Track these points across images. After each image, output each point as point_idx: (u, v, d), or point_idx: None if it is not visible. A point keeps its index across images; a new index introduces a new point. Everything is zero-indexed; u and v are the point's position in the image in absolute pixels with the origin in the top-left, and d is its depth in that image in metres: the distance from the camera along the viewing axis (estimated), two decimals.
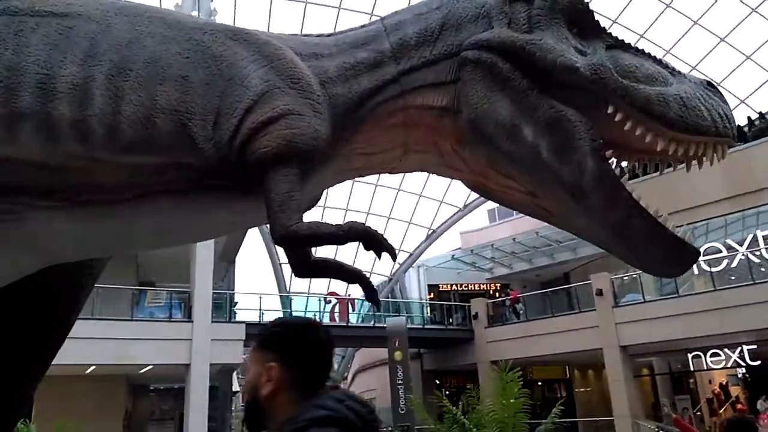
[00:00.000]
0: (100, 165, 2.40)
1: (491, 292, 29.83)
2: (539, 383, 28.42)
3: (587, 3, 2.89)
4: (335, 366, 33.94)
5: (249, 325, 18.05)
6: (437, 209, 30.10)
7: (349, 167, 2.88)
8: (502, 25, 2.77)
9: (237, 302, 23.72)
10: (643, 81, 2.69)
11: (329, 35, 3.00)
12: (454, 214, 30.43)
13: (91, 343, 15.42)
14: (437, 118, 2.79)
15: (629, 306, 19.55)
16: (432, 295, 30.95)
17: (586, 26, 2.88)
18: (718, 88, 2.88)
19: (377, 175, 28.18)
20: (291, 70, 2.59)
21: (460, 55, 2.74)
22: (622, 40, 2.89)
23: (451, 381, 29.43)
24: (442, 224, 30.57)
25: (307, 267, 3.25)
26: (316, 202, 3.27)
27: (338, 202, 28.55)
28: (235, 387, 56.89)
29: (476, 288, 31.24)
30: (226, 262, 24.18)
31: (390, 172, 3.17)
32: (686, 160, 2.82)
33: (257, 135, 2.44)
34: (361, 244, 2.40)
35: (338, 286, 30.90)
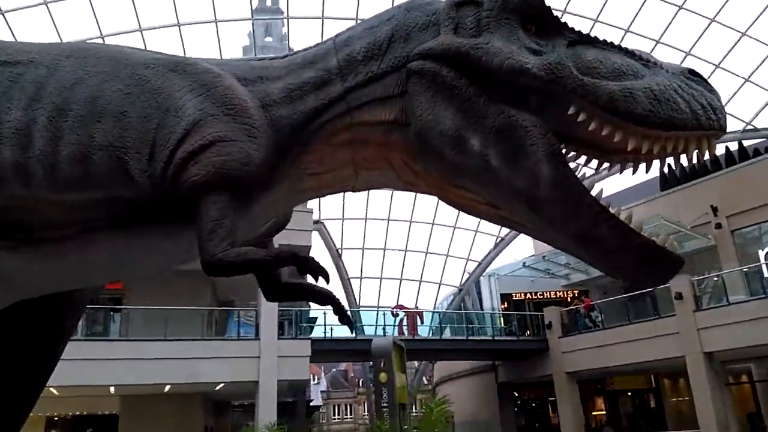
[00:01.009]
0: (45, 204, 2.49)
1: (569, 300, 28.70)
2: (626, 394, 27.04)
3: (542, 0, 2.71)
4: (409, 379, 33.83)
5: (315, 341, 18.28)
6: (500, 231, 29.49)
7: (300, 188, 2.84)
8: (448, 32, 2.65)
9: (316, 318, 24.26)
10: (608, 76, 2.48)
11: (284, 56, 2.99)
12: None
13: (166, 363, 16.20)
14: (386, 133, 2.70)
15: (713, 309, 18.20)
16: (505, 305, 30.24)
17: (545, 24, 2.70)
18: (703, 76, 2.61)
19: None
20: (226, 96, 2.59)
21: (406, 67, 2.65)
22: (587, 35, 2.68)
23: (529, 394, 28.56)
24: (510, 231, 29.85)
25: (277, 290, 3.25)
26: (283, 225, 3.25)
27: (402, 215, 28.60)
28: (317, 401, 58.04)
29: (552, 296, 30.21)
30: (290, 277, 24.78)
31: (352, 191, 3.10)
32: (667, 158, 2.59)
33: (188, 164, 2.45)
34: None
35: (406, 299, 30.91)
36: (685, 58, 24.62)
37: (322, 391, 62.08)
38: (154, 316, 18.17)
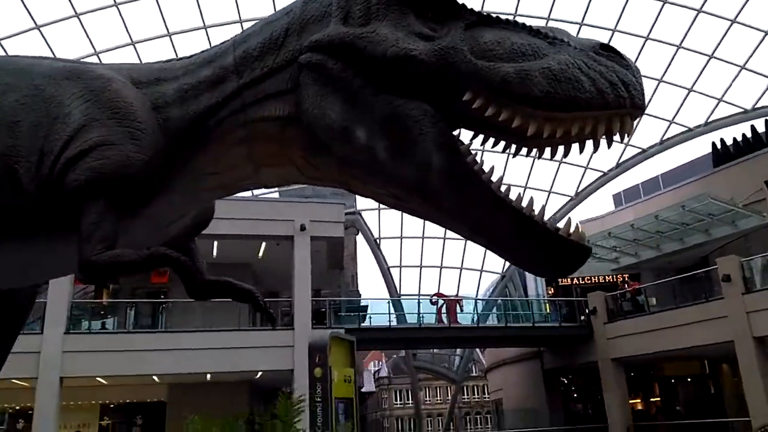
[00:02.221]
0: None
1: (619, 284, 27.80)
2: (679, 380, 26.03)
3: None
4: (453, 366, 33.68)
5: (349, 330, 18.46)
6: (547, 199, 28.75)
7: (202, 188, 2.84)
8: (337, 22, 2.58)
9: (366, 306, 24.48)
10: (504, 58, 2.35)
11: (189, 56, 2.99)
12: (566, 203, 28.89)
13: (206, 353, 16.74)
14: (281, 129, 2.66)
15: (763, 291, 17.20)
16: (552, 291, 29.57)
17: (441, 8, 2.58)
18: (617, 50, 2.44)
19: None
20: (112, 100, 2.62)
21: (297, 61, 2.60)
22: (488, 16, 2.56)
23: (577, 380, 27.90)
24: (553, 215, 29.14)
25: (199, 287, 3.29)
26: (204, 224, 3.26)
27: None
28: (370, 387, 58.67)
29: (601, 281, 29.33)
30: (337, 270, 25.03)
31: (264, 187, 3.09)
32: (576, 141, 2.46)
33: (69, 170, 2.50)
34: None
35: (446, 287, 30.66)
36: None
37: (382, 377, 62.74)
38: (197, 308, 18.80)
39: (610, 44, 2.46)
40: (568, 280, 29.91)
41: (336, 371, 6.62)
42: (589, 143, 2.45)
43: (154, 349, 16.98)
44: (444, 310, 23.20)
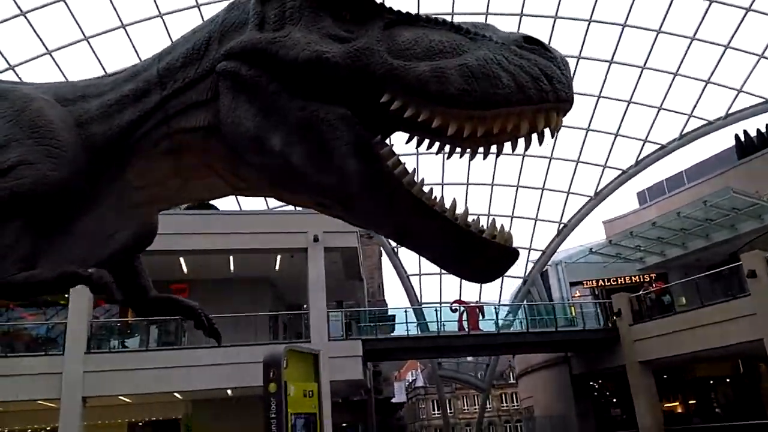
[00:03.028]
0: None
1: (645, 285, 27.15)
2: (714, 381, 25.23)
3: None
4: (479, 375, 33.31)
5: (367, 341, 18.37)
6: (565, 201, 28.37)
7: (130, 203, 2.81)
8: (253, 28, 2.55)
9: (394, 316, 24.40)
10: (422, 56, 2.29)
11: (118, 72, 2.99)
12: (586, 204, 28.42)
13: (223, 369, 16.82)
14: (204, 140, 2.63)
15: None
16: (577, 294, 29.06)
17: (359, 8, 2.53)
18: (542, 42, 2.35)
19: (492, 173, 28.18)
20: (33, 120, 2.63)
21: (215, 69, 2.58)
22: (408, 14, 2.50)
23: (607, 386, 27.26)
24: (573, 216, 28.70)
25: (145, 304, 3.27)
26: (147, 239, 3.23)
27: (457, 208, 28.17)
28: (400, 398, 58.37)
29: (627, 281, 28.74)
30: (355, 280, 25.01)
31: (199, 201, 3.06)
32: (503, 140, 2.39)
33: None
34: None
35: (468, 293, 30.38)
36: None
37: (418, 387, 62.46)
38: (220, 323, 18.92)
39: (535, 37, 2.38)
40: (593, 282, 29.39)
41: (293, 386, 6.53)
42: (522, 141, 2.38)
43: (174, 366, 17.15)
44: (464, 317, 22.95)
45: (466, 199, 27.93)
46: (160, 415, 20.67)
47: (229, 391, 18.49)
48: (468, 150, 2.52)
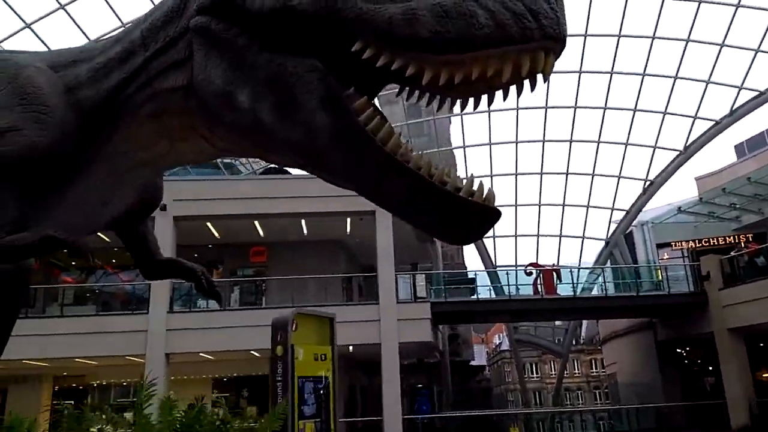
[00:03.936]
0: None
1: (741, 245, 25.24)
2: None
3: None
4: (557, 339, 32.49)
5: (436, 303, 18.32)
6: (651, 156, 26.57)
7: (121, 167, 2.79)
8: None
9: (474, 278, 24.24)
10: None
11: (109, 37, 2.97)
12: (675, 159, 26.50)
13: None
14: (184, 99, 2.57)
15: None
16: (666, 257, 27.51)
17: None
18: None
19: (571, 128, 26.79)
20: (22, 86, 2.66)
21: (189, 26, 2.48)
22: None
23: (695, 353, 25.84)
24: (660, 173, 26.90)
25: (152, 267, 3.30)
26: (151, 206, 3.21)
27: (531, 166, 27.27)
28: (480, 360, 58.52)
29: (720, 243, 26.82)
30: (428, 243, 24.90)
31: (190, 163, 2.99)
32: (488, 86, 2.17)
33: None
34: None
35: (546, 256, 29.37)
36: None
37: (504, 350, 62.50)
38: (292, 285, 19.55)
39: None
40: (682, 243, 27.67)
41: (301, 348, 6.50)
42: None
43: (252, 325, 17.88)
44: (540, 281, 22.33)
45: (542, 155, 26.79)
46: (242, 372, 21.78)
47: None
48: (458, 100, 2.30)
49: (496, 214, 2.15)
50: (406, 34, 1.96)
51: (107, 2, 22.11)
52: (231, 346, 17.74)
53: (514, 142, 27.00)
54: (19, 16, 21.11)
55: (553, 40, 2.01)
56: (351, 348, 19.29)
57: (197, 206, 18.41)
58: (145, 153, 2.75)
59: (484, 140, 27.29)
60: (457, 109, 2.39)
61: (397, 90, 2.33)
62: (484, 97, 2.36)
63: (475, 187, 2.13)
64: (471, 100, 2.33)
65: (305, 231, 20.94)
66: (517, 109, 26.04)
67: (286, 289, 19.62)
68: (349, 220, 19.91)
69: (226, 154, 2.83)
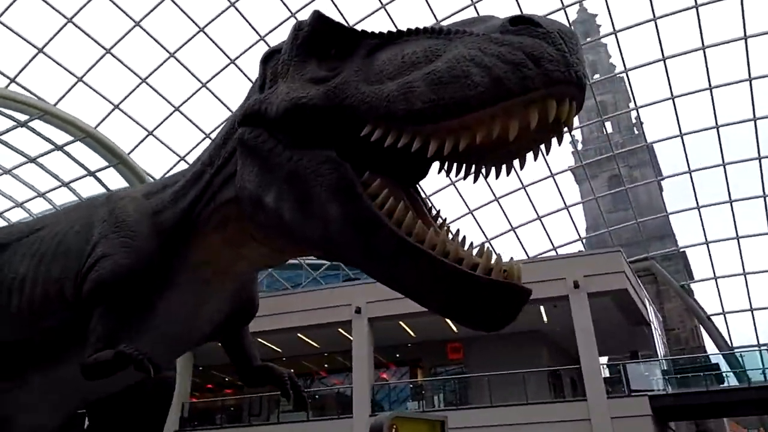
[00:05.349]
0: (34, 331, 3.23)
1: None
2: None
3: (328, 19, 2.43)
4: None
5: (655, 397, 15.97)
6: None
7: (199, 279, 2.93)
8: (257, 90, 2.63)
9: (717, 364, 21.10)
10: (393, 75, 2.07)
11: None
12: None
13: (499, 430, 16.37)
14: (238, 208, 2.72)
15: None
16: None
17: (343, 42, 2.42)
18: (532, 18, 1.93)
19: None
20: (117, 216, 3.02)
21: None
22: (390, 33, 2.29)
23: None
24: None
25: (249, 374, 3.40)
26: (247, 313, 3.34)
27: (754, 226, 23.37)
28: None
29: None
30: (643, 326, 22.32)
31: (265, 267, 3.09)
32: (495, 152, 2.06)
33: (83, 283, 2.92)
34: None
35: None
36: None
37: None
38: (491, 383, 18.74)
39: (525, 15, 1.93)
40: None
41: None
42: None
43: (454, 428, 17.34)
44: None
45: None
46: None
47: None
48: (484, 167, 2.17)
49: (521, 292, 1.85)
50: (403, 108, 1.90)
51: None
52: None
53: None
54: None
55: (561, 83, 1.78)
56: None
57: (390, 306, 18.93)
58: (217, 263, 2.89)
59: None
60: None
61: None
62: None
63: (492, 262, 1.87)
64: (503, 167, 2.15)
65: None
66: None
67: (485, 388, 18.79)
68: (542, 308, 18.81)
69: (287, 257, 2.87)
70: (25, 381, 3.35)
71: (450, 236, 2.08)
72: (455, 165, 2.22)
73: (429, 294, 1.97)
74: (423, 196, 2.42)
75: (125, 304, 2.85)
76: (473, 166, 2.17)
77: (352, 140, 2.12)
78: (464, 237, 2.18)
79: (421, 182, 2.49)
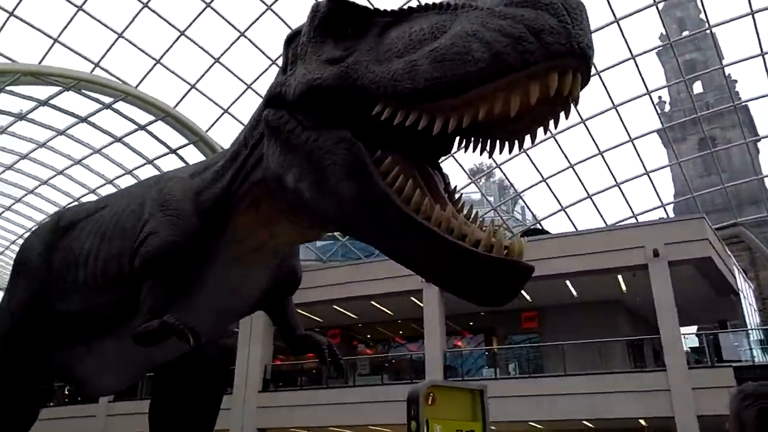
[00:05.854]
0: (100, 302, 3.52)
1: None
2: None
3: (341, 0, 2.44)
4: None
5: (739, 368, 15.17)
6: None
7: (238, 254, 3.06)
8: (280, 73, 2.71)
9: None
10: (400, 53, 2.11)
11: None
12: None
13: (582, 399, 16.03)
14: (268, 188, 2.84)
15: None
16: None
17: (358, 22, 2.45)
18: None
19: None
20: (164, 195, 3.22)
21: None
22: (401, 10, 2.32)
23: None
24: None
25: (293, 343, 3.59)
26: (290, 284, 3.49)
27: None
28: None
29: None
30: (731, 296, 21.08)
31: (298, 244, 3.21)
32: (506, 126, 2.03)
33: (134, 260, 3.16)
34: None
35: None
36: None
37: None
38: (570, 351, 18.37)
39: None
40: None
41: (438, 424, 5.62)
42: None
43: (528, 395, 17.22)
44: None
45: None
46: None
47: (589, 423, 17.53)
48: (506, 142, 2.18)
49: (521, 269, 1.86)
50: (408, 87, 1.93)
51: None
52: (506, 417, 17.22)
53: None
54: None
55: (566, 56, 1.75)
56: (643, 422, 17.07)
57: None
58: (255, 239, 3.02)
59: None
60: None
61: None
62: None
63: (494, 239, 1.89)
64: (516, 141, 2.15)
65: (574, 292, 19.69)
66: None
67: (560, 357, 18.44)
68: (620, 277, 18.13)
69: (317, 233, 2.96)
70: (97, 347, 3.69)
71: (464, 213, 2.11)
72: (472, 140, 2.23)
73: (433, 269, 2.02)
74: (442, 172, 2.43)
75: (172, 278, 3.05)
76: (488, 142, 2.17)
77: (366, 119, 2.16)
78: (476, 213, 2.20)
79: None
